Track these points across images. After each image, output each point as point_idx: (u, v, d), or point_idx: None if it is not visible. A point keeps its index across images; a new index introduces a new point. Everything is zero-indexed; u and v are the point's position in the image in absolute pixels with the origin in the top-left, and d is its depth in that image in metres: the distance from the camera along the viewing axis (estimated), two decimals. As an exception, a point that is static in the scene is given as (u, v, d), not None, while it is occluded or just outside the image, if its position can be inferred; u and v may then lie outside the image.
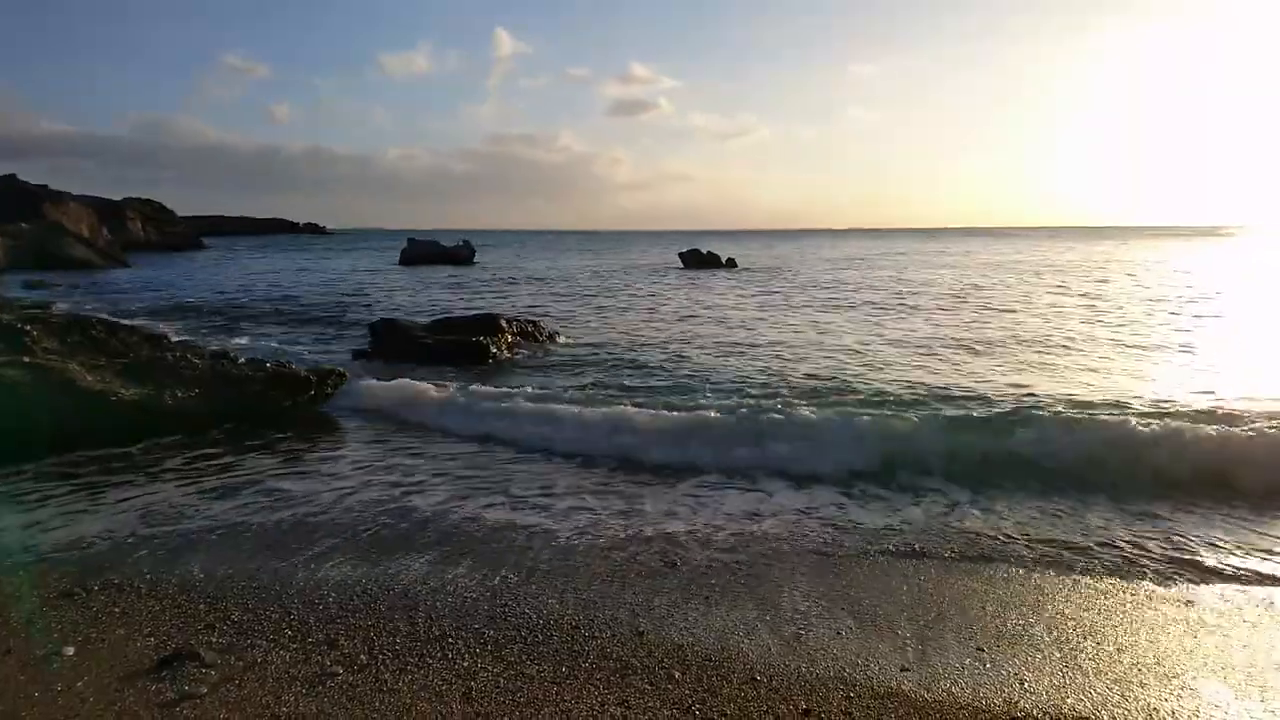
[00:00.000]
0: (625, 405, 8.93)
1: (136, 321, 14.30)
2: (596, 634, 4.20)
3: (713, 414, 8.37)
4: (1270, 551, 5.29)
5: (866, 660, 3.94)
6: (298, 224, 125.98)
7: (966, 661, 3.92)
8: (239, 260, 48.48)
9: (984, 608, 4.50)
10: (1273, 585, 4.79)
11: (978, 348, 13.87)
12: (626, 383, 11.06)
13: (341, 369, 10.50)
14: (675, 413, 8.56)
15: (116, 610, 4.40)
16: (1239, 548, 5.35)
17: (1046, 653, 3.99)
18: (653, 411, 8.60)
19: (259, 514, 6.09)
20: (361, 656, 3.93)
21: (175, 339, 11.72)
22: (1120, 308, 20.12)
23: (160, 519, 5.96)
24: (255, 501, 6.39)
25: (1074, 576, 4.94)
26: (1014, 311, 19.59)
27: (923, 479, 6.79)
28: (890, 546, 5.40)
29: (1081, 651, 4.01)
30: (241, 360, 9.93)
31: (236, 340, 14.66)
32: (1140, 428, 7.37)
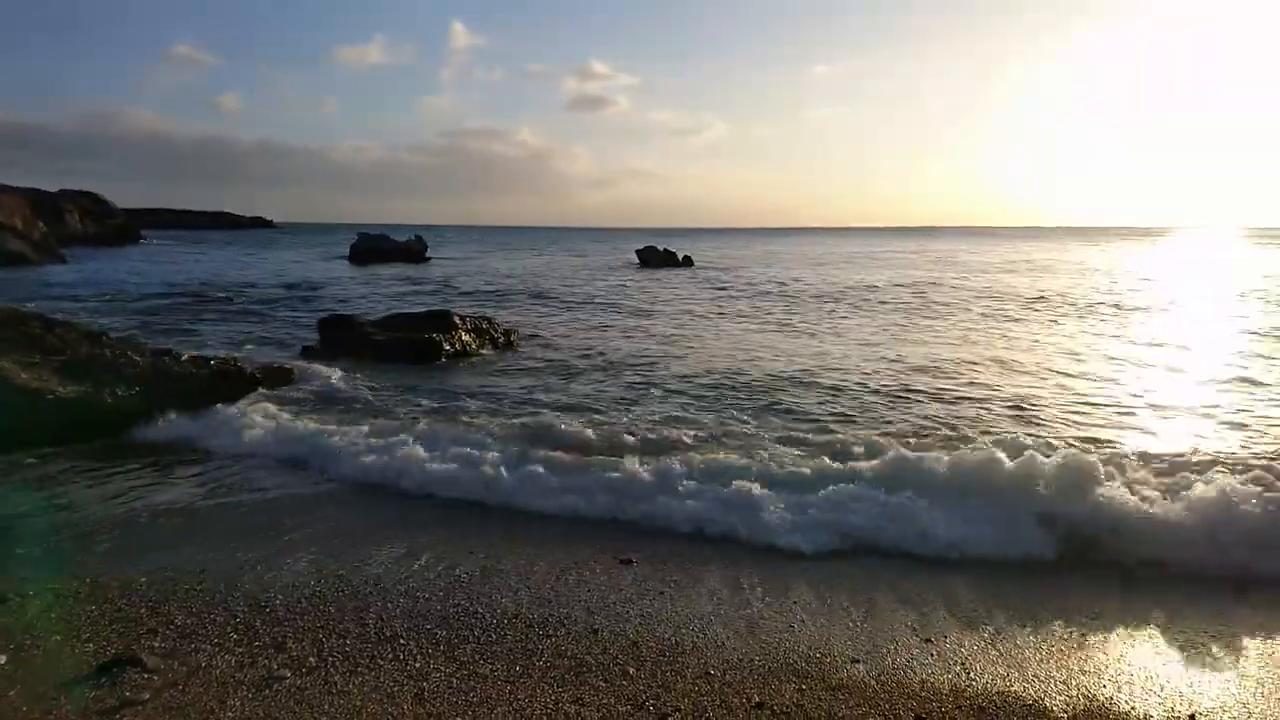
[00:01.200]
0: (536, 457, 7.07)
1: (74, 318, 13.80)
2: (551, 632, 4.20)
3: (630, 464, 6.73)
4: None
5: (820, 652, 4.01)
6: (243, 217, 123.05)
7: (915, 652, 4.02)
8: (182, 255, 47.11)
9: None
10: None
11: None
12: (573, 386, 11.06)
13: (289, 366, 10.30)
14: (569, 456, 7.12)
15: (53, 616, 4.26)
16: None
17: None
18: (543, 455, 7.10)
19: (209, 512, 5.94)
20: (310, 659, 3.87)
21: (115, 335, 11.34)
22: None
23: (99, 521, 5.77)
24: (205, 498, 6.23)
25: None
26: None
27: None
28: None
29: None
30: (184, 357, 9.67)
31: (178, 337, 14.25)
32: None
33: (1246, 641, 4.16)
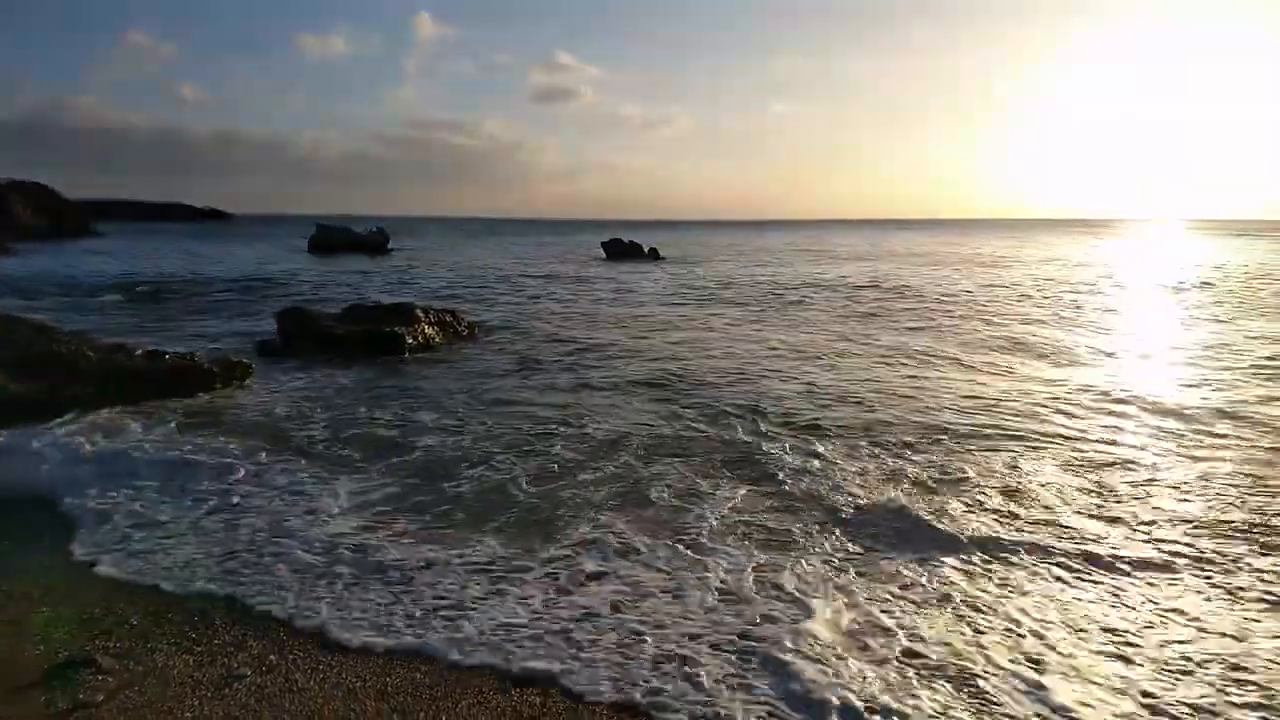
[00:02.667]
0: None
1: (24, 313, 13.40)
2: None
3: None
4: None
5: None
6: (198, 209, 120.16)
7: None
8: (135, 247, 45.87)
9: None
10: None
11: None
12: (530, 381, 11.06)
13: (246, 360, 10.14)
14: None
15: (4, 619, 4.17)
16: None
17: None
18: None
19: (175, 513, 5.85)
20: (271, 657, 3.85)
21: (66, 330, 11.05)
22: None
23: (55, 525, 5.65)
24: (164, 500, 6.12)
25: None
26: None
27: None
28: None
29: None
30: (139, 352, 9.47)
31: (132, 331, 13.89)
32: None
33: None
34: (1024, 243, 61.94)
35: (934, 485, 6.44)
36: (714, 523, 5.66)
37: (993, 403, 9.28)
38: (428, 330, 13.41)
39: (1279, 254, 43.64)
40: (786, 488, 6.39)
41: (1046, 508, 5.94)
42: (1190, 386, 10.15)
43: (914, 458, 7.16)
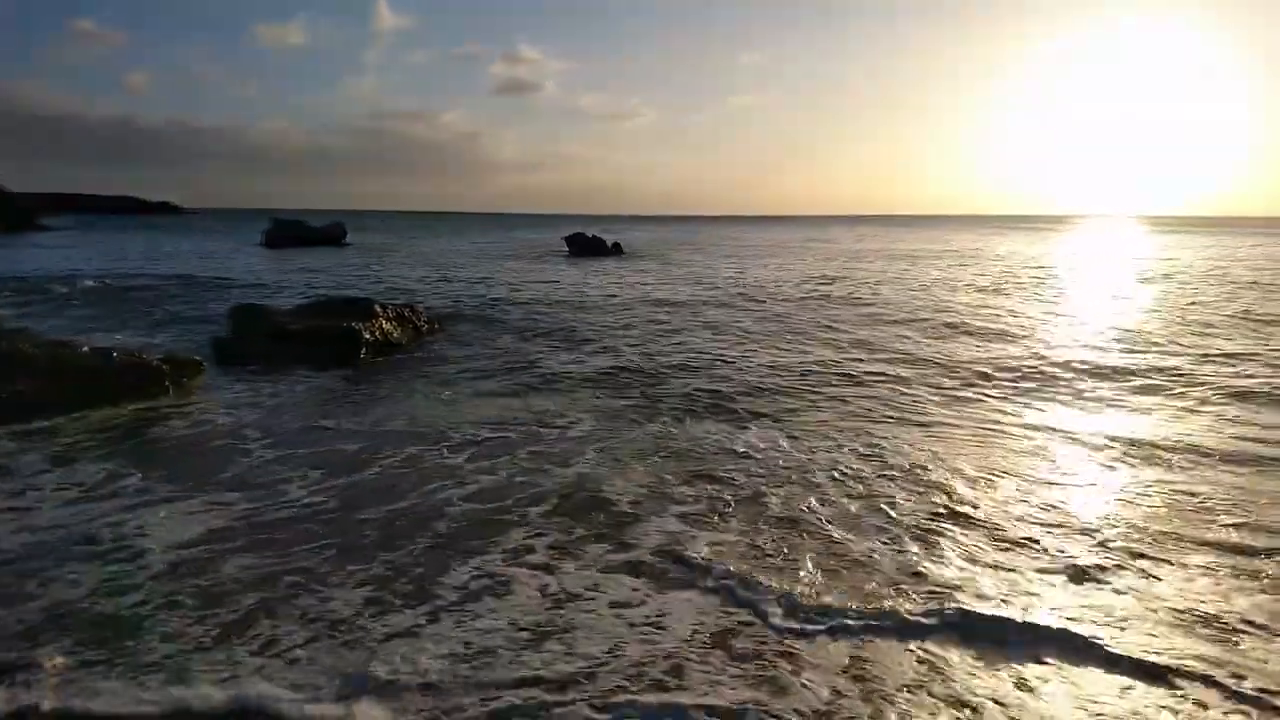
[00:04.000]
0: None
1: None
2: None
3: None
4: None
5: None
6: (149, 202, 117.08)
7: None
8: (83, 241, 44.54)
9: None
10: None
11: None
12: (492, 378, 10.99)
13: (198, 358, 9.91)
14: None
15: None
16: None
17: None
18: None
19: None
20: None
21: (7, 326, 10.70)
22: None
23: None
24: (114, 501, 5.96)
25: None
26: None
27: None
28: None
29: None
30: (85, 349, 9.20)
31: (76, 328, 13.49)
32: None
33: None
34: (986, 239, 63.19)
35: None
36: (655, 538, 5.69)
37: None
38: (386, 325, 13.22)
39: (1224, 248, 45.27)
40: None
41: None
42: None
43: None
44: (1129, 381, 10.14)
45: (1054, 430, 7.90)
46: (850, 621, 4.17)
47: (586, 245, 42.11)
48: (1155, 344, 12.86)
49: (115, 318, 15.58)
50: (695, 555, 5.00)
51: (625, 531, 5.40)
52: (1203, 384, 9.90)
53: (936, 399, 9.26)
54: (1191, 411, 8.65)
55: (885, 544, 5.19)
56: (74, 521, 5.46)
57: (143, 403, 8.60)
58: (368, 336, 12.48)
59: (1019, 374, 10.57)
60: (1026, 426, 8.02)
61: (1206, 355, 11.86)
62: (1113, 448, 7.27)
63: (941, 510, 5.77)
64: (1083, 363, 11.25)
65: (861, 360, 11.69)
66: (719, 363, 11.45)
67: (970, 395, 9.41)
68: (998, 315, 16.61)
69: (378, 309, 13.56)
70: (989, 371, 10.72)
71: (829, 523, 5.52)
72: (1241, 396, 9.24)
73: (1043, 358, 11.66)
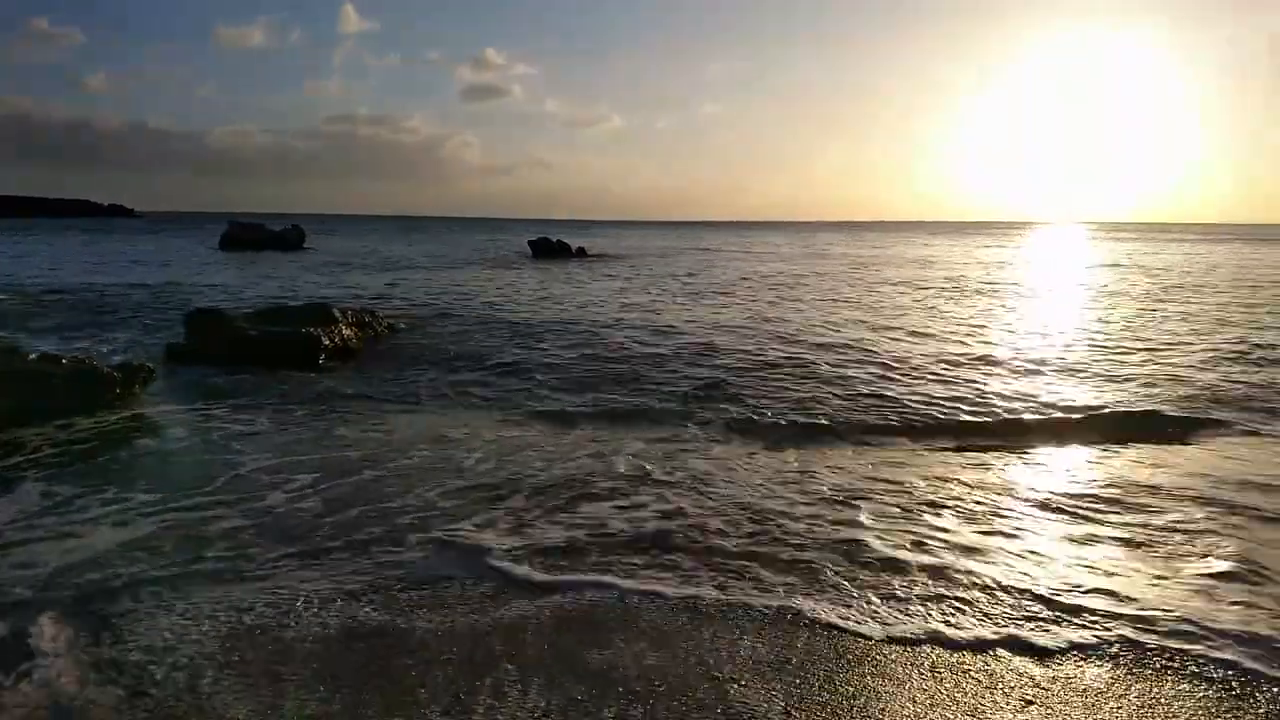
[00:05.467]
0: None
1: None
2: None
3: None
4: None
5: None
6: (101, 205, 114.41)
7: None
8: (32, 246, 43.35)
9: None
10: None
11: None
12: (456, 378, 10.95)
13: (151, 365, 9.71)
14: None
15: None
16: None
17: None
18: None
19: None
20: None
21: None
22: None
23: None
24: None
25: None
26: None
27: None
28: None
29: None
30: (32, 355, 8.96)
31: (20, 336, 13.11)
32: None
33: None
34: (954, 244, 64.39)
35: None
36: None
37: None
38: (346, 331, 13.09)
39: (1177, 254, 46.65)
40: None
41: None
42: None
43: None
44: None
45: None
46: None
47: (551, 249, 42.13)
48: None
49: (65, 324, 15.18)
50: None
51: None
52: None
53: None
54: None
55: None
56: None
57: (92, 411, 8.40)
58: (326, 343, 12.33)
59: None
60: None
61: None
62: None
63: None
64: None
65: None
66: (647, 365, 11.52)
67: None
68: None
69: (336, 314, 13.43)
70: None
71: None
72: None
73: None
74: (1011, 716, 3.32)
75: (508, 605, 4.30)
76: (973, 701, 3.42)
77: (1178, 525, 5.48)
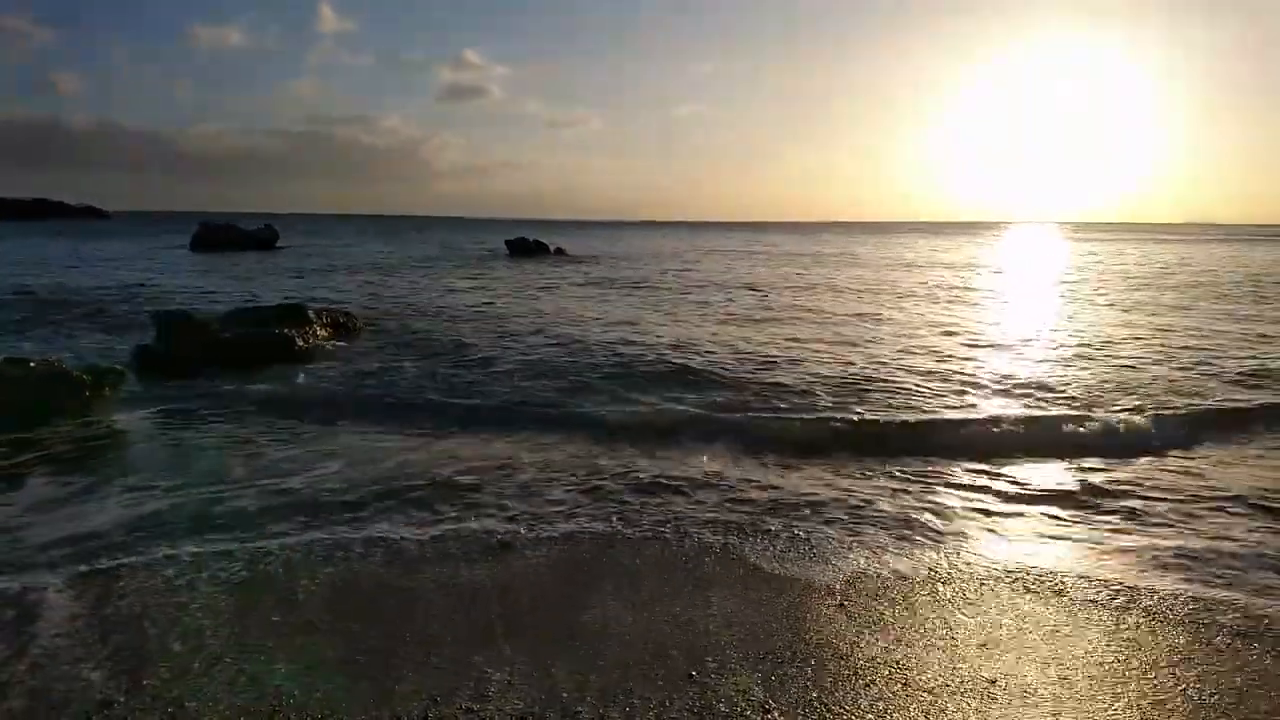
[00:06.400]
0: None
1: None
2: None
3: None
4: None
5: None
6: (71, 206, 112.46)
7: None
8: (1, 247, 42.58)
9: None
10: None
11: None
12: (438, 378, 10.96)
13: (121, 367, 9.63)
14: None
15: None
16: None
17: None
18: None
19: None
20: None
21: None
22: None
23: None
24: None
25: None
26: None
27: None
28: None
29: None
30: (-1, 359, 8.87)
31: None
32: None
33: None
34: (933, 245, 65.00)
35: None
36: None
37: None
38: (320, 332, 13.07)
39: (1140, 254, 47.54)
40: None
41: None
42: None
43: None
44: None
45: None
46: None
47: (528, 249, 42.08)
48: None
49: (32, 327, 14.97)
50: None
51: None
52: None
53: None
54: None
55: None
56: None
57: (61, 415, 8.32)
58: (300, 343, 12.28)
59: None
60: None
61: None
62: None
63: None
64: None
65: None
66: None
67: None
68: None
69: (311, 314, 13.39)
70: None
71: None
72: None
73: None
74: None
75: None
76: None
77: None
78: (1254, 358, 12.12)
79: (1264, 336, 14.34)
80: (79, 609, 4.24)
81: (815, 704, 3.39)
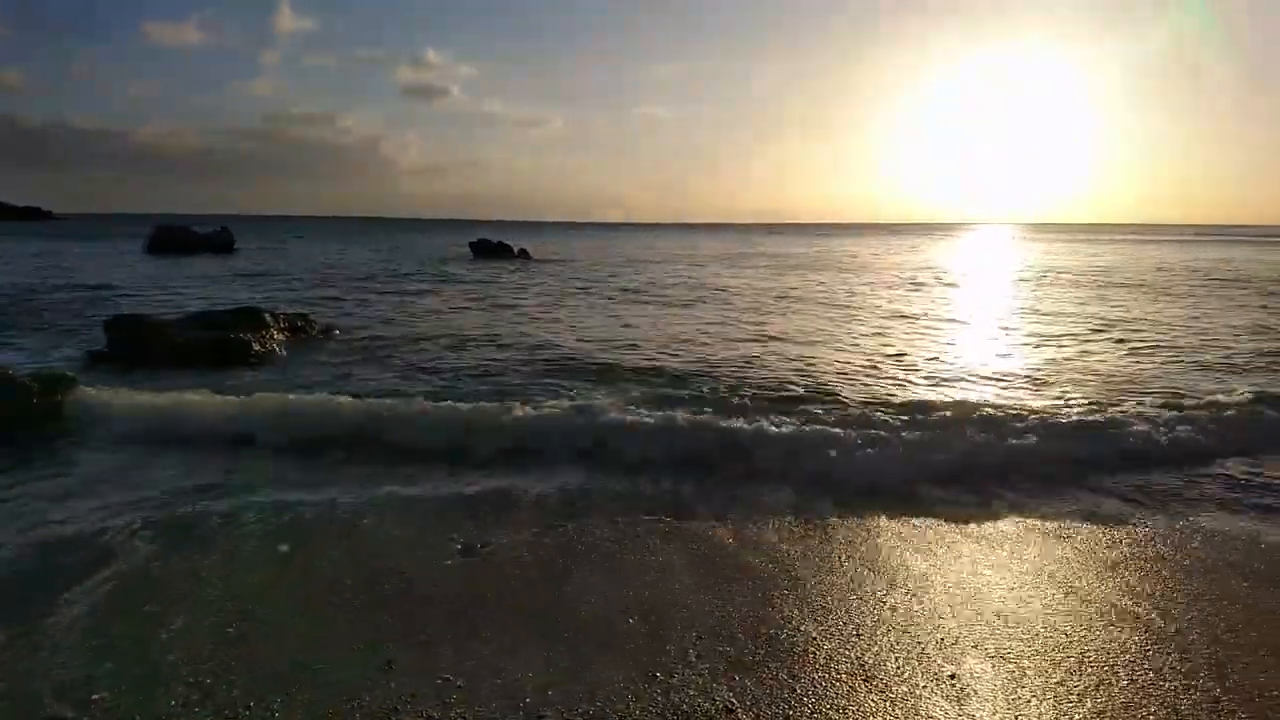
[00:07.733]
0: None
1: None
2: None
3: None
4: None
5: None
6: (12, 206, 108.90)
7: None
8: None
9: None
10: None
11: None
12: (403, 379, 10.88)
13: (70, 374, 9.40)
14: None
15: None
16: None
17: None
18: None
19: None
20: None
21: None
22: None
23: None
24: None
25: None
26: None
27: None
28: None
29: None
30: (-63, 366, 8.61)
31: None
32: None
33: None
34: (892, 246, 66.05)
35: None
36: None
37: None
38: (278, 336, 12.87)
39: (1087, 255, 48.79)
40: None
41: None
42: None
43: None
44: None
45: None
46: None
47: (492, 250, 41.86)
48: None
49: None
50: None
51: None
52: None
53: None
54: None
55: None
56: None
57: (9, 423, 8.08)
58: (257, 348, 12.10)
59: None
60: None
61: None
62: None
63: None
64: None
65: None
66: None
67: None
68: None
69: (268, 318, 13.19)
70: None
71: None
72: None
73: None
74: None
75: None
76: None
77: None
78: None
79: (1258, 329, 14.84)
80: None
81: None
